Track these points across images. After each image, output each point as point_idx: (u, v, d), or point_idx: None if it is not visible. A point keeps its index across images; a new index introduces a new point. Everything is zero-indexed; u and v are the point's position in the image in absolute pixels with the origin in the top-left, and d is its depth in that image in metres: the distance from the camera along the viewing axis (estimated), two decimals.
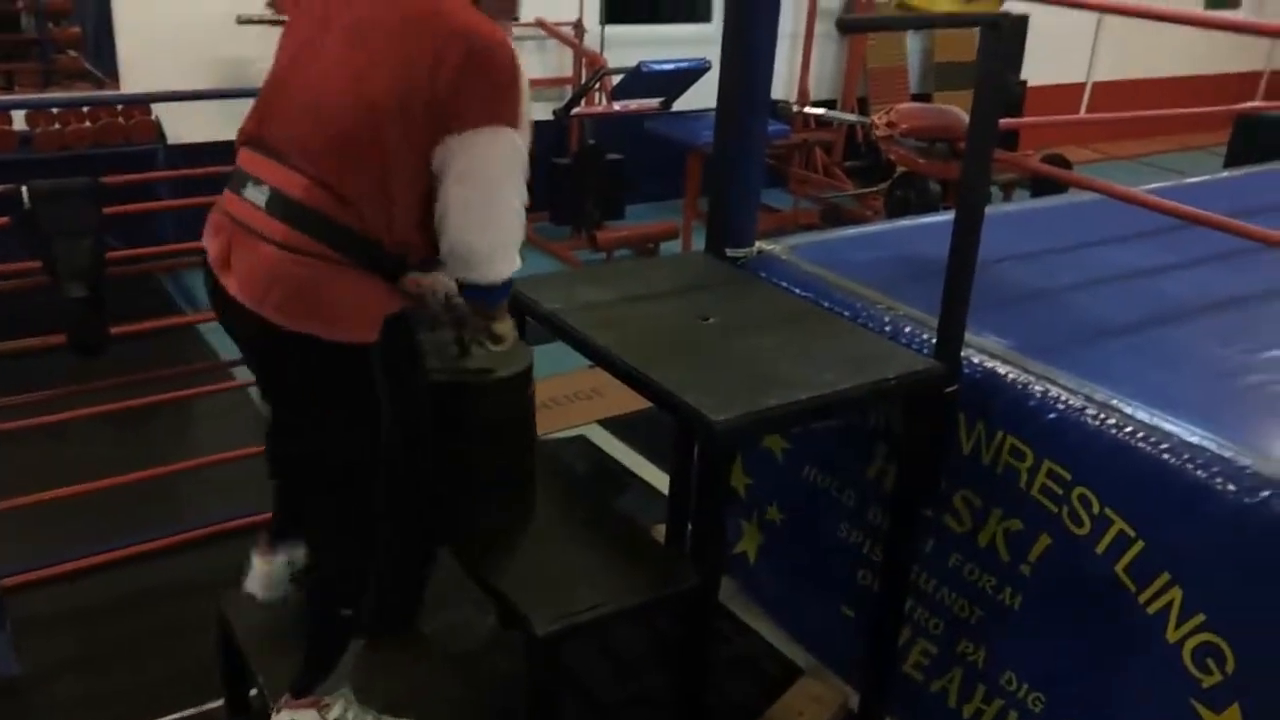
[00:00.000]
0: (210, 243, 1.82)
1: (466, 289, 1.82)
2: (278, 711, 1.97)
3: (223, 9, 4.98)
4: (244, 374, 3.73)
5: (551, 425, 3.91)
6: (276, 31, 5.39)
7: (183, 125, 5.22)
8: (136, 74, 5.30)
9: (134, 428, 3.55)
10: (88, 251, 2.58)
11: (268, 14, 4.91)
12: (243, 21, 4.66)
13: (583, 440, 3.86)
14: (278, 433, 1.97)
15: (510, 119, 1.70)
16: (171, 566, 3.05)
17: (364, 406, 1.78)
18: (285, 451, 1.98)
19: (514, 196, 1.73)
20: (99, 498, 3.04)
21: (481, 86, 1.67)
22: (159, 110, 5.08)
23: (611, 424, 3.95)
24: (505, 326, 1.95)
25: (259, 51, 5.50)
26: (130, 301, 3.18)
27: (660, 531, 2.94)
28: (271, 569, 2.09)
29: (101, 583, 2.96)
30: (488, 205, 1.70)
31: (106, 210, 2.72)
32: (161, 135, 5.07)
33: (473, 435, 2.03)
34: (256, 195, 1.73)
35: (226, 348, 4.35)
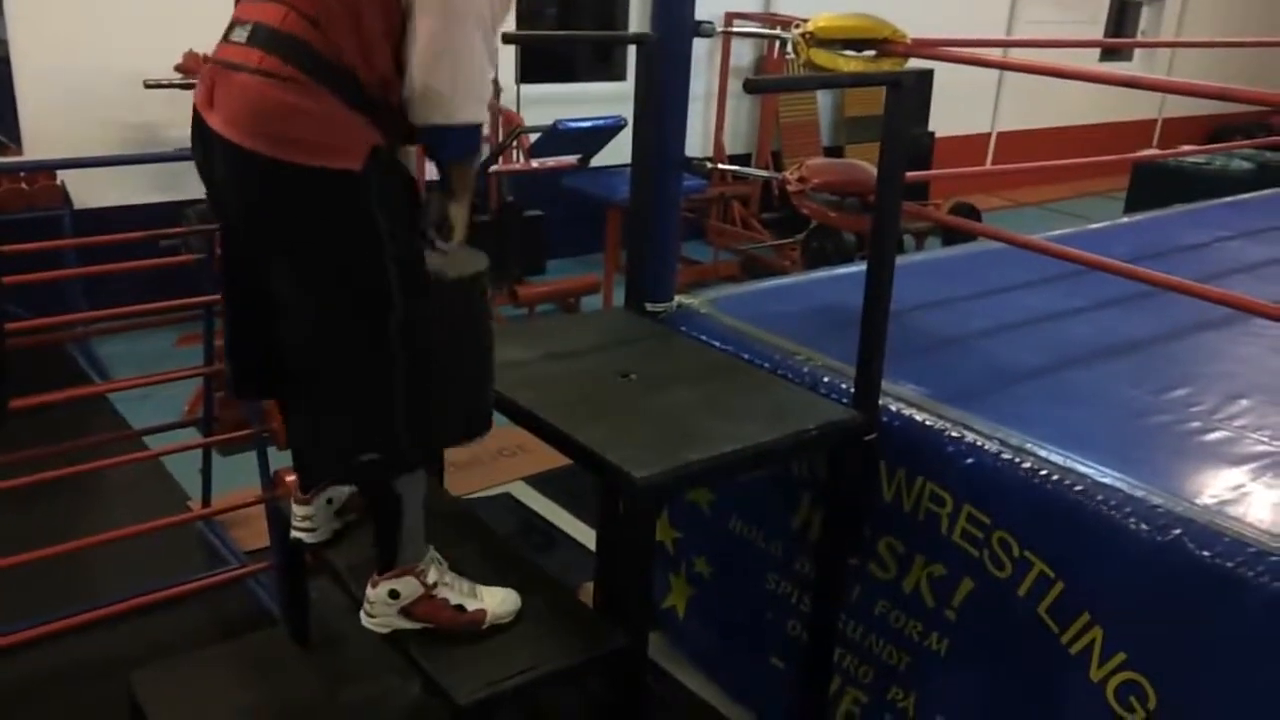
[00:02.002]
0: (196, 92, 1.78)
1: (425, 143, 1.75)
2: (374, 585, 1.89)
3: (129, 72, 4.90)
4: (157, 442, 3.64)
5: (475, 484, 3.86)
6: (187, 95, 5.31)
7: (90, 190, 5.12)
8: (41, 138, 5.19)
9: (40, 503, 3.42)
10: None
11: (175, 78, 4.85)
12: (150, 85, 4.59)
13: (508, 498, 3.82)
14: (256, 306, 1.87)
15: None
16: (81, 646, 2.93)
17: (365, 239, 1.69)
18: (281, 332, 1.85)
19: (477, 32, 1.69)
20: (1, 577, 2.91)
21: None
22: (65, 174, 4.97)
23: (537, 480, 3.91)
24: (459, 211, 1.83)
25: (167, 115, 5.49)
26: (37, 372, 3.08)
27: (589, 590, 2.91)
28: (314, 510, 2.11)
29: (5, 667, 2.83)
30: (449, 37, 1.66)
31: (8, 279, 2.64)
32: (67, 200, 4.96)
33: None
34: (240, 34, 1.71)
35: (138, 416, 4.28)
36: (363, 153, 1.67)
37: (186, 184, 4.92)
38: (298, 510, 2.12)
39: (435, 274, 1.82)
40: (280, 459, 3.33)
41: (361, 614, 1.92)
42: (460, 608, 1.91)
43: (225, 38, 1.76)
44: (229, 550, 3.52)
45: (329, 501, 2.14)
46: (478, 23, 1.69)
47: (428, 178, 1.93)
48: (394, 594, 1.88)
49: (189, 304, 3.35)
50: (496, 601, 1.96)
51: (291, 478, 2.16)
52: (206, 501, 3.63)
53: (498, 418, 2.21)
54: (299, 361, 1.85)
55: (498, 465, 4.02)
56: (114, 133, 5.32)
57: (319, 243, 1.71)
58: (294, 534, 2.13)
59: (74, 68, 5.30)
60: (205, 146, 1.75)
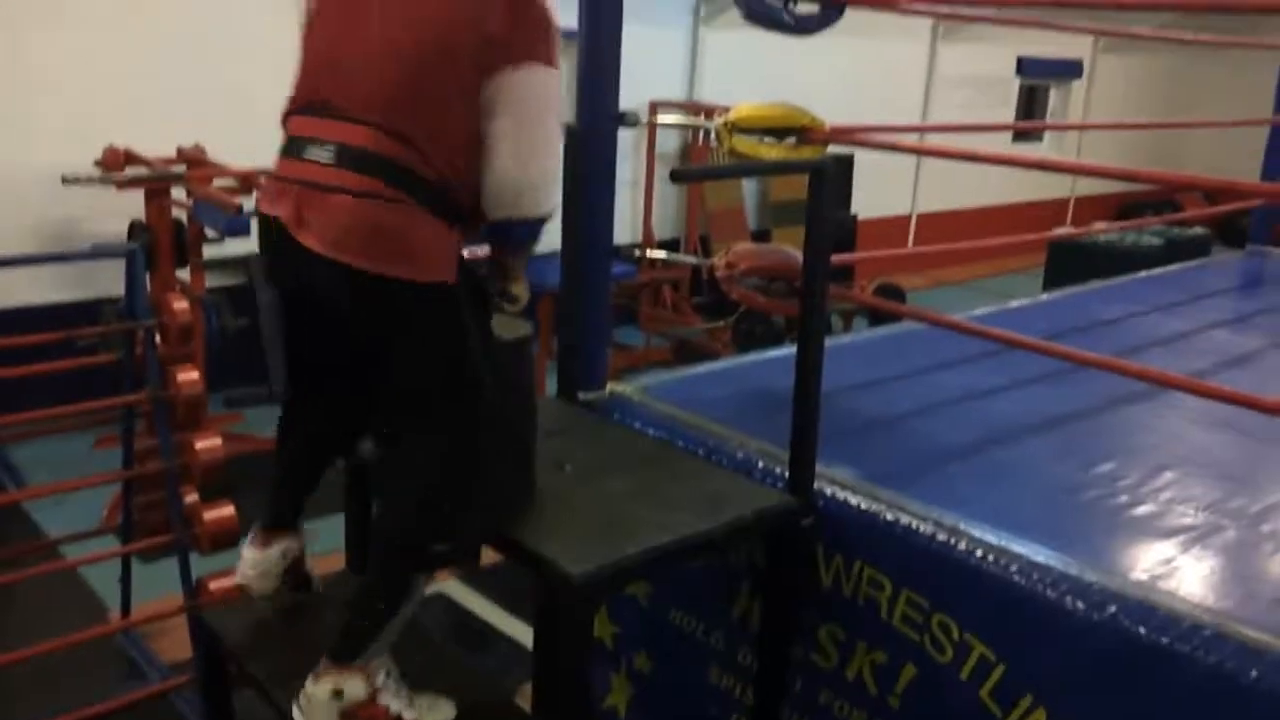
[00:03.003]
0: (276, 207, 1.80)
1: (495, 236, 1.88)
2: (317, 680, 1.82)
3: (47, 169, 4.82)
4: (75, 551, 3.51)
5: None
6: (105, 191, 5.25)
7: (4, 288, 5.00)
8: None
9: None
10: None
11: (95, 173, 4.78)
12: (69, 182, 4.52)
13: (441, 598, 3.73)
14: (332, 394, 2.00)
15: (551, 60, 1.81)
16: None
17: (461, 343, 1.80)
18: (347, 411, 2.01)
19: (555, 132, 1.85)
20: None
21: (525, 27, 1.77)
22: None
23: (471, 578, 3.83)
24: (521, 287, 2.00)
25: (87, 212, 5.41)
26: None
27: (528, 691, 2.82)
28: (266, 559, 2.09)
29: None
30: (532, 136, 1.79)
31: None
32: None
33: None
34: (321, 154, 1.77)
35: (55, 522, 4.13)
36: (455, 262, 1.79)
37: (104, 280, 4.85)
38: (249, 555, 2.11)
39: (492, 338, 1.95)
40: (203, 565, 3.23)
41: (295, 709, 1.84)
42: (399, 718, 1.85)
43: (298, 155, 1.81)
44: (150, 664, 3.39)
45: (283, 554, 2.12)
46: (556, 122, 1.84)
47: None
48: (338, 694, 1.82)
49: (108, 405, 3.26)
50: (428, 710, 1.91)
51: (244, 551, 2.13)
52: (126, 612, 3.50)
53: None
54: (392, 453, 1.93)
55: None
56: (30, 229, 5.23)
57: (423, 345, 1.81)
58: (240, 579, 2.13)
59: None
60: (296, 262, 1.79)
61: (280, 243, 1.80)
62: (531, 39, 1.78)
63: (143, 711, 3.11)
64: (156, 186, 4.75)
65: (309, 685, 1.83)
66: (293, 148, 1.82)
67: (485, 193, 1.80)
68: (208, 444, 3.14)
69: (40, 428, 3.57)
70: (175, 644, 3.38)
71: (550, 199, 1.85)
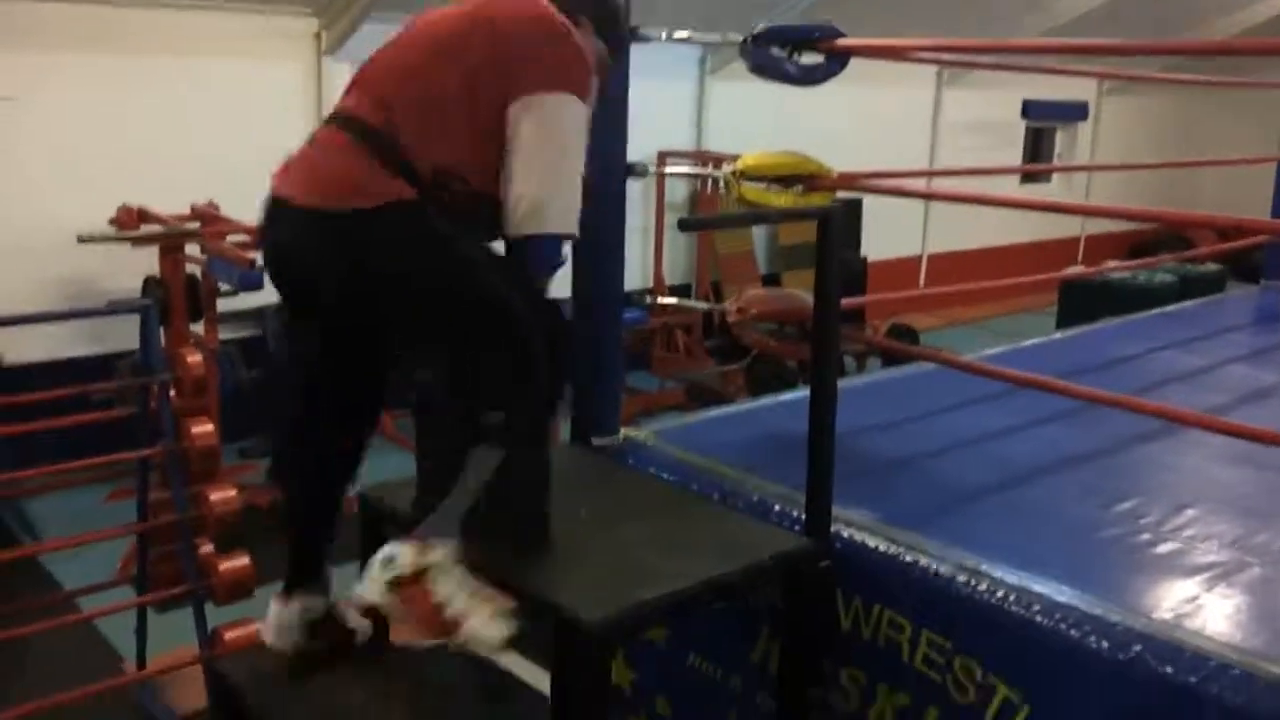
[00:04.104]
0: (278, 173, 1.94)
1: (516, 255, 1.89)
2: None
3: (63, 227, 4.87)
4: (90, 603, 3.50)
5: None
6: (121, 248, 5.32)
7: (21, 345, 5.03)
8: None
9: None
10: None
11: (110, 231, 4.83)
12: (84, 240, 4.57)
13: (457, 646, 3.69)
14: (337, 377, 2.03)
15: (580, 91, 1.89)
16: None
17: (443, 244, 1.84)
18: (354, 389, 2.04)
19: (578, 158, 1.89)
20: None
21: (557, 57, 1.87)
22: None
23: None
24: None
25: (102, 269, 5.46)
26: None
27: None
28: (284, 615, 2.09)
29: None
30: (553, 157, 1.85)
31: None
32: None
33: None
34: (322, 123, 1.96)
35: (69, 576, 4.12)
36: (409, 191, 1.82)
37: (118, 336, 4.88)
38: (271, 609, 2.12)
39: None
40: (218, 615, 3.21)
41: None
42: (440, 606, 1.79)
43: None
44: (166, 714, 3.36)
45: (305, 610, 2.11)
46: (579, 149, 1.89)
47: None
48: (389, 561, 1.78)
49: (122, 458, 3.27)
50: (482, 620, 1.81)
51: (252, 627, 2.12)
52: (141, 663, 3.48)
53: None
54: (444, 358, 1.92)
55: None
56: (46, 287, 5.28)
57: (407, 259, 1.84)
58: (261, 635, 2.14)
59: (5, 223, 5.28)
60: (277, 225, 1.92)
61: (267, 215, 1.93)
62: (565, 69, 1.87)
63: None
64: (170, 243, 4.80)
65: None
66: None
67: (505, 209, 1.85)
68: (222, 495, 3.14)
69: (55, 481, 3.58)
70: (190, 694, 3.35)
71: (567, 218, 1.87)
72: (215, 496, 3.13)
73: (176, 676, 3.40)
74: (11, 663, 3.53)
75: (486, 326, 1.85)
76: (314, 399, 2.10)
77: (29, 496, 4.70)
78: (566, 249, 1.94)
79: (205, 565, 3.17)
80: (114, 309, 4.27)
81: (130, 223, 4.99)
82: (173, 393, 3.26)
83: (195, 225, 4.93)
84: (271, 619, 2.11)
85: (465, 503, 1.84)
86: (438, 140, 1.86)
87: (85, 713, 3.01)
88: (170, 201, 5.03)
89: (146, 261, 5.00)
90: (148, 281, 5.21)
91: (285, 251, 1.95)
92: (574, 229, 1.90)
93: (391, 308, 1.90)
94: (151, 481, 3.51)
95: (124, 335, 4.30)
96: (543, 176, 1.84)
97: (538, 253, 1.89)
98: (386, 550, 1.81)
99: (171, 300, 4.73)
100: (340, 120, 1.92)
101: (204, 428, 3.15)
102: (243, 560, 3.14)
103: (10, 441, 4.22)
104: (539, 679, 3.42)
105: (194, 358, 3.32)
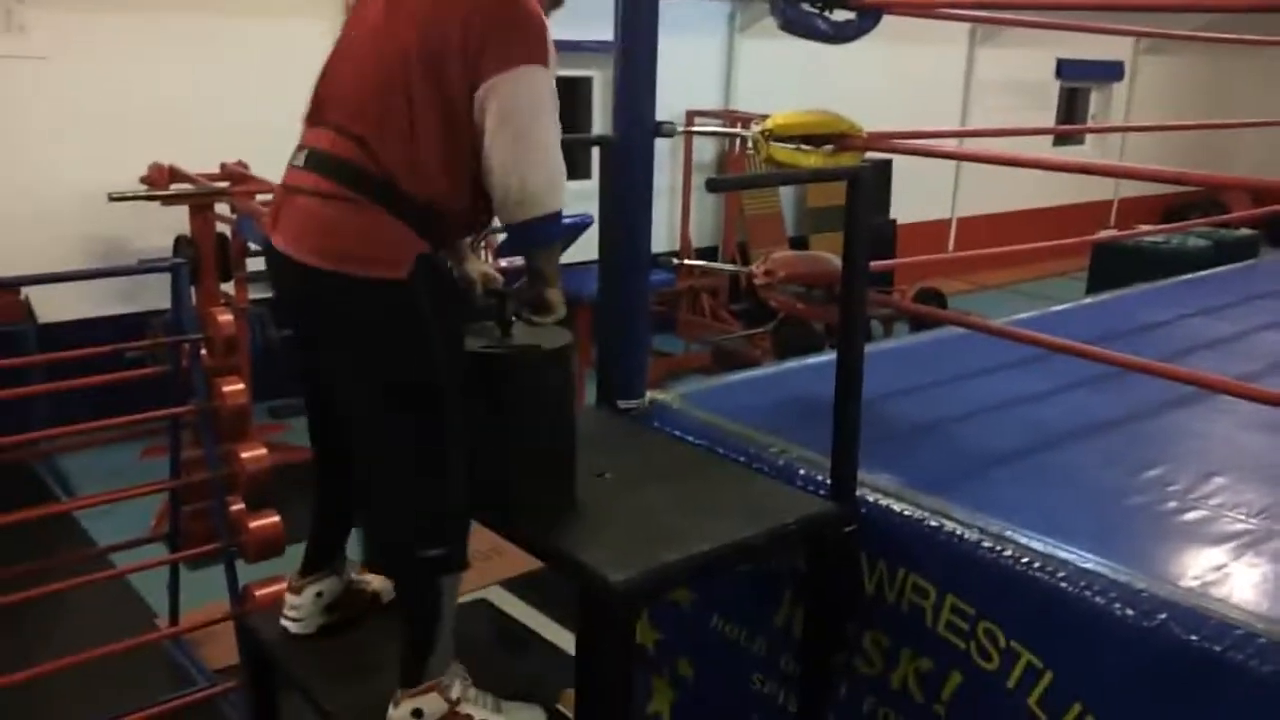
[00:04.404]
0: (268, 215, 1.94)
1: (515, 239, 1.88)
2: (396, 705, 1.87)
3: (95, 186, 4.92)
4: (125, 559, 3.56)
5: None
6: (152, 207, 5.36)
7: (54, 304, 5.10)
8: (4, 254, 5.17)
9: (1, 627, 3.33)
10: None
11: (141, 190, 4.86)
12: (115, 198, 4.61)
13: (483, 604, 3.74)
14: (326, 405, 1.99)
15: (539, 56, 1.81)
16: None
17: (417, 343, 1.80)
18: (338, 428, 1.98)
19: (552, 128, 1.83)
20: None
21: (509, 32, 1.79)
22: (29, 289, 4.95)
23: (513, 584, 3.85)
24: (556, 294, 1.97)
25: (134, 228, 5.50)
26: (1, 489, 3.02)
27: (570, 697, 2.83)
28: (301, 601, 2.14)
29: None
30: (528, 137, 1.79)
31: None
32: (31, 315, 4.93)
33: (520, 409, 1.99)
34: (299, 160, 1.87)
35: (103, 532, 4.19)
36: (408, 263, 1.79)
37: (150, 295, 4.93)
38: (288, 599, 2.17)
39: (532, 347, 1.99)
40: (249, 572, 3.26)
41: None
42: None
43: (291, 163, 1.91)
44: (197, 669, 3.43)
45: (319, 595, 2.16)
46: (549, 119, 1.83)
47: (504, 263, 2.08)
48: (417, 713, 1.85)
49: (155, 416, 3.31)
50: (516, 714, 1.95)
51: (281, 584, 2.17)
52: (174, 619, 3.55)
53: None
54: (363, 456, 1.95)
55: (473, 569, 3.94)
56: (79, 246, 5.33)
57: (375, 346, 1.82)
58: (281, 621, 2.18)
59: (38, 182, 5.33)
60: (275, 269, 1.90)
61: (268, 253, 1.91)
62: (520, 42, 1.80)
63: (191, 716, 3.16)
64: (201, 202, 4.83)
65: (390, 712, 1.87)
66: (292, 158, 1.91)
67: (493, 199, 1.83)
68: (253, 454, 3.18)
69: (89, 438, 3.63)
70: (222, 650, 3.42)
71: (555, 195, 1.84)
72: (246, 455, 3.17)
73: (208, 632, 3.46)
74: (47, 617, 3.61)
75: (414, 436, 1.84)
76: (318, 410, 2.11)
77: (64, 453, 4.78)
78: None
79: (236, 523, 3.22)
80: (145, 268, 4.31)
81: (161, 181, 5.02)
82: (204, 352, 3.30)
83: (225, 185, 4.95)
84: (287, 606, 2.16)
85: (447, 636, 1.91)
86: (411, 161, 1.80)
87: (120, 667, 3.08)
88: (201, 161, 5.06)
89: (178, 221, 5.04)
90: (179, 241, 5.25)
91: (285, 302, 1.98)
92: (561, 201, 1.86)
93: (348, 375, 1.89)
94: (184, 440, 3.56)
95: (156, 295, 4.34)
96: (523, 159, 1.79)
97: (536, 235, 1.88)
98: (402, 710, 1.87)
99: (202, 259, 4.77)
100: (319, 162, 1.84)
101: (235, 387, 3.18)
102: (273, 519, 3.19)
103: (46, 399, 4.29)
104: (561, 636, 3.47)
105: (225, 317, 3.35)
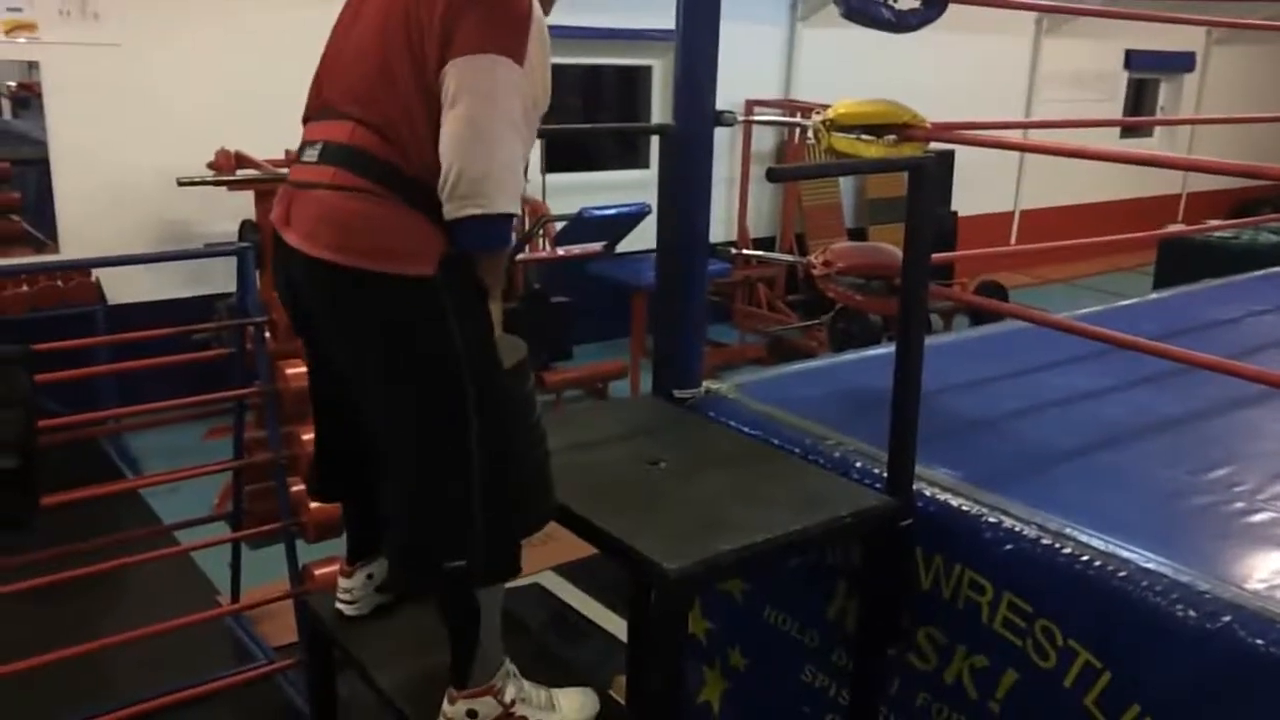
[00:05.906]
0: (274, 212, 1.85)
1: (452, 236, 1.69)
2: (451, 703, 1.87)
3: (163, 171, 5.02)
4: (188, 537, 3.64)
5: None
6: (218, 192, 5.45)
7: (123, 285, 5.21)
8: (77, 236, 5.31)
9: (69, 599, 3.42)
10: (17, 422, 2.50)
11: (208, 175, 4.95)
12: (184, 183, 4.70)
13: (537, 589, 3.77)
14: (343, 412, 1.94)
15: (511, 51, 1.68)
16: None
17: (440, 342, 1.71)
18: (358, 428, 1.90)
19: (507, 126, 1.68)
20: (27, 677, 2.89)
21: (482, 15, 1.68)
22: (99, 271, 5.06)
23: (566, 570, 3.87)
24: (495, 307, 1.79)
25: (200, 212, 5.61)
26: (70, 466, 3.10)
27: (621, 683, 2.85)
28: (353, 584, 2.15)
29: None
30: (478, 129, 1.66)
31: (42, 376, 2.66)
32: (101, 296, 5.05)
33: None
34: (311, 154, 1.79)
35: (168, 509, 4.29)
36: (435, 257, 1.70)
37: (217, 278, 5.03)
38: (341, 582, 2.18)
39: None
40: (309, 552, 3.32)
41: None
42: None
43: (298, 159, 1.85)
44: (257, 646, 3.50)
45: (369, 576, 2.17)
46: (508, 115, 1.69)
47: None
48: (472, 714, 1.86)
49: (220, 398, 3.37)
50: (575, 708, 1.94)
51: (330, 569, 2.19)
52: (235, 596, 3.62)
53: None
54: (386, 462, 1.87)
55: (526, 555, 3.97)
56: (148, 229, 5.44)
57: (398, 345, 1.73)
58: (336, 604, 2.19)
59: (109, 167, 5.44)
60: (285, 263, 1.82)
61: (276, 249, 1.84)
62: (490, 27, 1.68)
63: (250, 692, 3.22)
64: (266, 187, 4.90)
65: (445, 708, 1.88)
66: (297, 154, 1.87)
67: (439, 188, 1.68)
68: (313, 436, 3.22)
69: (156, 418, 3.71)
70: (281, 628, 3.48)
71: (497, 194, 1.67)
72: (307, 437, 3.22)
73: (268, 610, 3.53)
74: (113, 591, 3.70)
75: (440, 442, 1.76)
76: (324, 406, 2.08)
77: (131, 432, 4.89)
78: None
79: (297, 504, 3.28)
80: (212, 251, 4.40)
81: (227, 167, 5.11)
82: (268, 335, 3.35)
83: (290, 170, 5.02)
84: (340, 590, 2.17)
85: (493, 637, 1.89)
86: (419, 150, 1.72)
87: (182, 642, 3.15)
88: (266, 146, 5.14)
89: (244, 206, 5.13)
90: (244, 225, 5.34)
91: (297, 299, 1.87)
92: (511, 204, 1.70)
93: (370, 370, 1.80)
94: (247, 421, 3.63)
95: (223, 278, 4.42)
96: (468, 146, 1.65)
97: (470, 236, 1.69)
98: (457, 709, 1.87)
99: (267, 244, 4.84)
100: (336, 155, 1.75)
101: (297, 370, 3.23)
102: None
103: (115, 379, 4.40)
104: (612, 622, 3.49)
105: None
